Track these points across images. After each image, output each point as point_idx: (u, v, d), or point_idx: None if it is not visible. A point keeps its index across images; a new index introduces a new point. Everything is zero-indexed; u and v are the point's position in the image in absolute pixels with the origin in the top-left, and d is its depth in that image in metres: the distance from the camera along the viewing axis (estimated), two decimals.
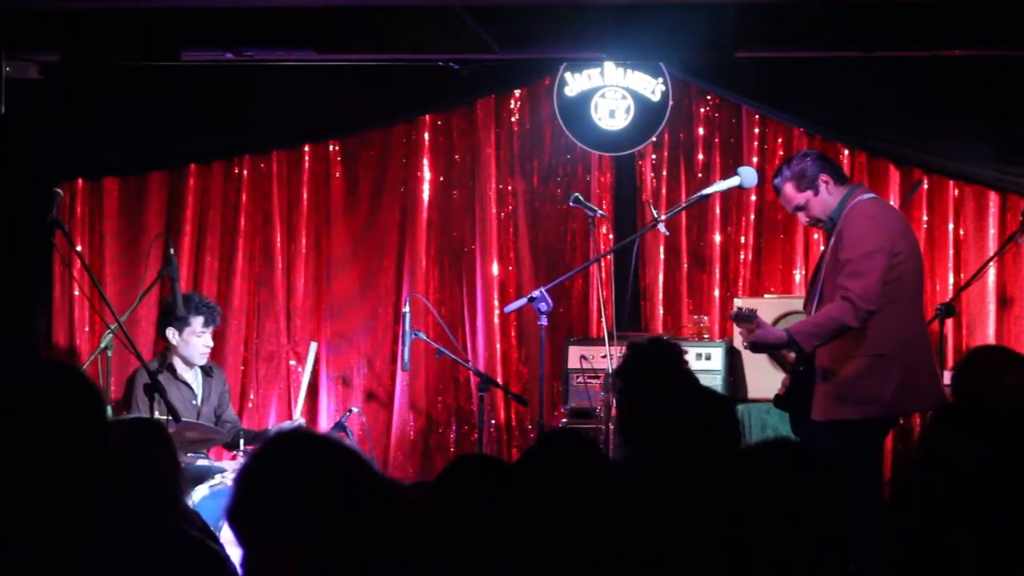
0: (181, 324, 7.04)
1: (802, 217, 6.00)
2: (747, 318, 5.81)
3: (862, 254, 5.67)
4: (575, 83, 7.83)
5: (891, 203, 6.14)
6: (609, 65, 7.78)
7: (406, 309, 7.10)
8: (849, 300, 5.62)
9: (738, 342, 6.67)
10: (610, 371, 6.51)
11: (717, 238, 7.97)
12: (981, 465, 2.85)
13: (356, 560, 2.38)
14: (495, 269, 8.06)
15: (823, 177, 5.88)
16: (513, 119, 8.12)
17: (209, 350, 7.18)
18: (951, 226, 7.75)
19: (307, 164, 8.20)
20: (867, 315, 5.62)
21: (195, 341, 7.07)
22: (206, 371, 7.22)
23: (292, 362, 8.17)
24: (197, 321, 7.04)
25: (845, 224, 5.76)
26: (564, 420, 7.23)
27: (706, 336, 7.56)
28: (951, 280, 7.71)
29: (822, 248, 6.15)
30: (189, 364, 7.14)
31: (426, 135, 8.15)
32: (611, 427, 6.65)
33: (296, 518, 2.38)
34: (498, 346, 8.04)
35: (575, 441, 3.25)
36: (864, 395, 5.69)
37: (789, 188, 5.91)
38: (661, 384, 4.29)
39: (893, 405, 5.80)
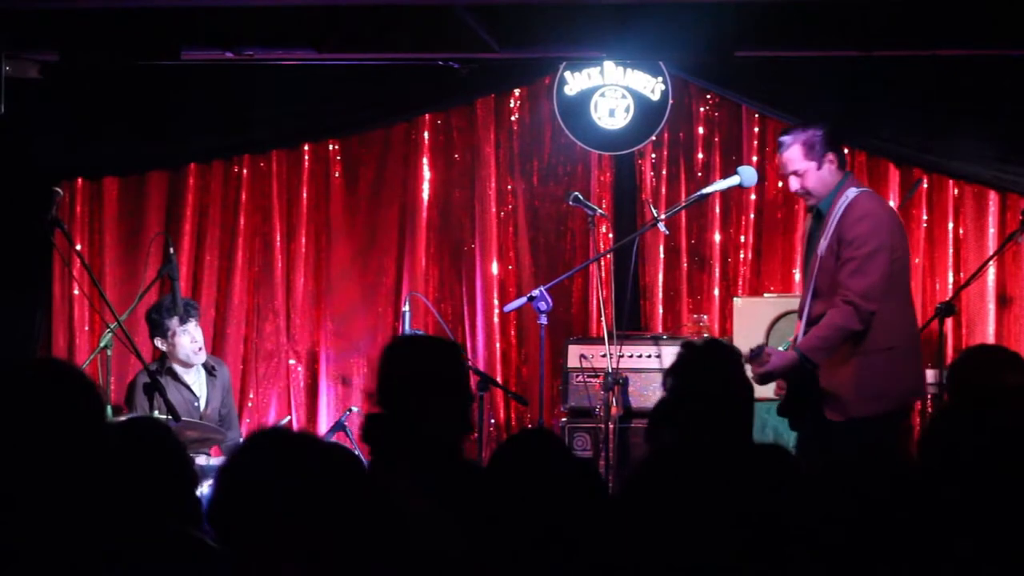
0: (162, 331, 7.04)
1: (794, 182, 5.87)
2: (757, 355, 5.73)
3: (866, 253, 5.62)
4: (575, 82, 7.83)
5: (882, 198, 6.10)
6: (609, 64, 7.79)
7: (406, 308, 7.10)
8: (851, 303, 5.58)
9: (738, 342, 6.66)
10: (610, 370, 6.52)
11: (717, 237, 7.97)
12: (982, 465, 2.85)
13: (338, 559, 2.38)
14: (495, 268, 8.06)
15: (830, 156, 5.82)
16: (513, 118, 8.12)
17: (199, 345, 7.12)
18: (951, 225, 7.75)
19: (307, 163, 8.20)
20: (870, 315, 5.60)
21: (180, 341, 7.03)
22: (209, 371, 7.21)
23: (292, 361, 8.17)
24: (173, 323, 7.01)
25: (846, 222, 5.69)
26: (564, 419, 7.23)
27: (706, 335, 7.56)
28: (951, 279, 7.72)
29: (807, 233, 6.03)
30: (187, 365, 7.12)
31: (426, 134, 8.15)
32: (611, 426, 6.66)
33: (272, 518, 2.37)
34: (498, 345, 8.04)
35: (544, 440, 3.24)
36: (880, 390, 5.65)
37: (796, 151, 5.80)
38: (704, 385, 4.25)
39: (907, 396, 5.84)
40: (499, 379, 7.86)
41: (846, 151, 7.70)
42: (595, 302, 7.78)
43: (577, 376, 7.26)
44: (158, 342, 7.10)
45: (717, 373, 4.26)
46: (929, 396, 7.60)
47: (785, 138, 5.88)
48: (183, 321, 6.99)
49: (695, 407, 4.12)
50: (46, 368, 2.77)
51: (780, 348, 5.94)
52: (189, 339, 7.04)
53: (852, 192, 5.77)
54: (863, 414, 5.63)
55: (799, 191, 5.89)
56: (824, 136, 5.82)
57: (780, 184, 7.62)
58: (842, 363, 5.68)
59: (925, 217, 7.80)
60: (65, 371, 2.73)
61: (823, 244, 5.73)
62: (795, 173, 5.84)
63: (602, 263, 6.97)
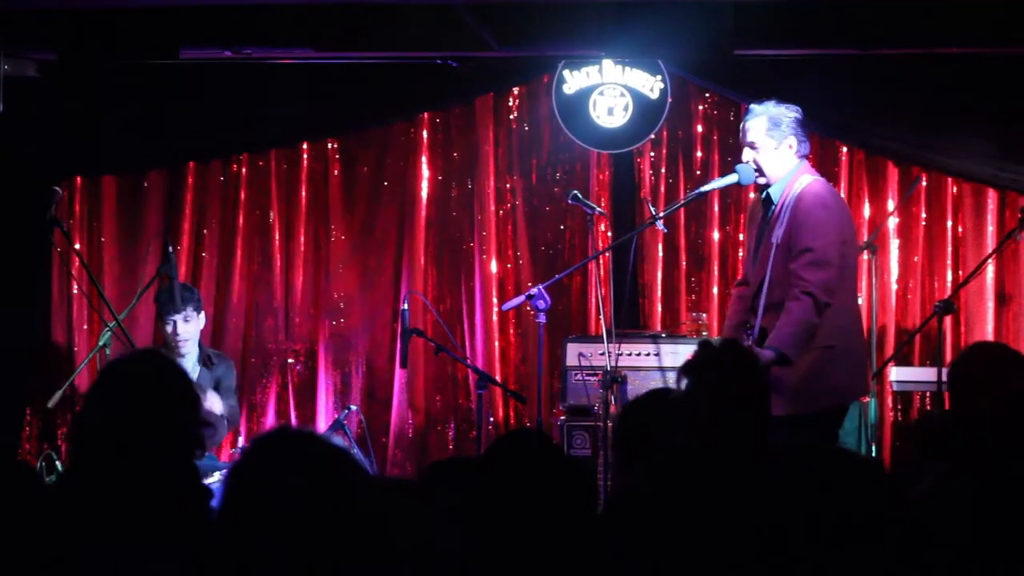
0: (159, 315, 7.07)
1: (747, 154, 5.81)
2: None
3: (823, 244, 5.53)
4: (574, 81, 7.83)
5: (835, 188, 5.92)
6: (608, 63, 7.78)
7: (405, 307, 7.08)
8: (810, 295, 5.50)
9: None
10: (609, 368, 6.51)
11: (715, 235, 7.97)
12: (987, 465, 2.85)
13: (339, 559, 2.38)
14: (494, 267, 8.06)
15: (791, 141, 5.73)
16: (512, 117, 8.12)
17: (183, 339, 7.01)
18: (950, 223, 7.76)
19: (306, 162, 8.20)
20: (826, 307, 5.51)
21: (166, 329, 7.01)
22: (205, 362, 7.18)
23: (291, 360, 8.17)
24: (163, 311, 7.02)
25: (799, 210, 5.60)
26: (562, 417, 7.23)
27: (704, 333, 7.56)
28: (950, 277, 7.72)
29: (755, 217, 5.94)
30: (177, 354, 7.10)
31: (425, 133, 8.15)
32: (610, 424, 6.65)
33: (279, 518, 2.38)
34: (496, 344, 8.04)
35: (533, 440, 3.23)
36: (820, 388, 5.55)
37: (760, 123, 5.75)
38: (716, 387, 4.20)
39: (847, 393, 5.71)
40: (498, 377, 7.87)
41: (844, 150, 7.80)
42: (594, 300, 7.78)
43: (576, 374, 7.25)
44: (158, 326, 7.16)
45: (733, 375, 4.22)
46: (928, 394, 7.62)
47: (755, 107, 5.82)
48: (168, 313, 6.94)
49: (708, 409, 4.09)
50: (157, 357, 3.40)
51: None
52: (172, 330, 6.98)
53: (806, 179, 5.69)
54: (802, 411, 5.48)
55: (751, 165, 5.82)
56: (793, 120, 5.75)
57: None
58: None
59: (924, 215, 7.80)
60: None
61: (778, 232, 5.63)
62: (751, 146, 5.79)
63: (601, 261, 6.96)
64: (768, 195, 5.80)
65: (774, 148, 5.73)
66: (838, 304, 5.60)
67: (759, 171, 5.81)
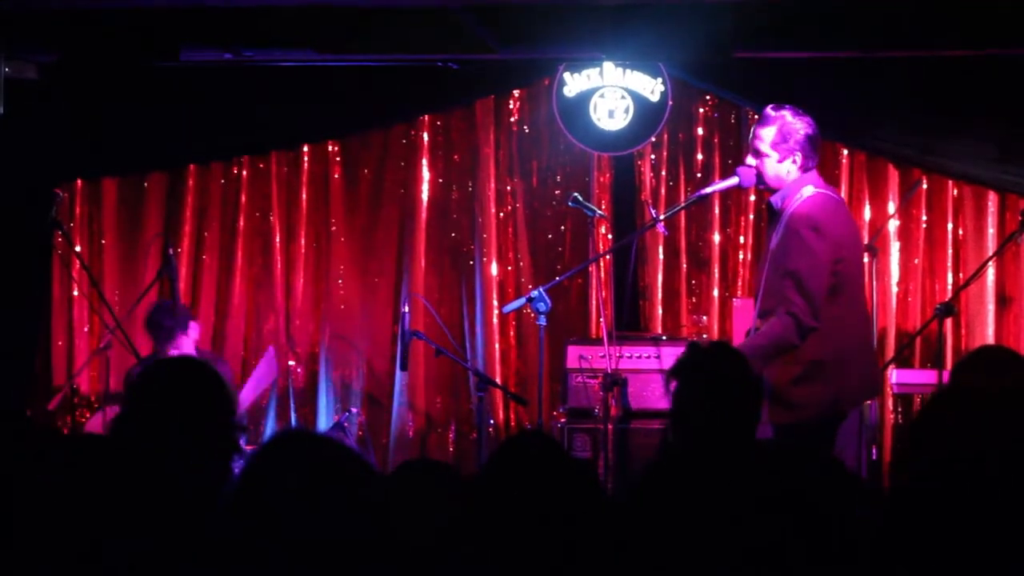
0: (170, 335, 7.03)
1: (751, 158, 5.73)
2: None
3: (807, 267, 5.45)
4: (574, 83, 7.83)
5: (837, 197, 5.82)
6: (608, 65, 7.79)
7: (405, 309, 7.09)
8: (793, 316, 5.43)
9: (737, 343, 6.65)
10: (609, 370, 6.51)
11: (716, 238, 7.97)
12: (978, 465, 2.84)
13: (350, 559, 2.39)
14: (494, 269, 8.06)
15: (796, 156, 5.61)
16: (512, 119, 8.13)
17: (186, 353, 7.00)
18: (950, 226, 7.76)
19: (306, 164, 8.21)
20: (810, 330, 5.44)
21: (168, 353, 6.96)
22: None
23: (291, 362, 8.17)
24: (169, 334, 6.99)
25: (789, 228, 5.53)
26: (563, 420, 7.23)
27: (705, 336, 7.57)
28: (950, 280, 7.72)
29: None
30: None
31: (425, 135, 8.15)
32: (610, 427, 6.66)
33: (292, 519, 2.39)
34: (497, 346, 8.04)
35: (540, 442, 3.23)
36: (797, 401, 5.49)
37: (771, 133, 5.64)
38: (703, 390, 4.19)
39: (827, 407, 5.57)
40: (498, 380, 7.87)
41: (845, 152, 7.79)
42: (594, 303, 7.79)
43: (576, 377, 7.25)
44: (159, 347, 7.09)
45: (721, 373, 4.22)
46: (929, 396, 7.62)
47: (770, 112, 5.70)
48: (175, 335, 6.93)
49: (700, 408, 4.09)
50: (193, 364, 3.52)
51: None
52: (178, 353, 6.95)
53: (807, 191, 5.60)
54: (776, 421, 5.43)
55: (753, 169, 5.75)
56: (803, 135, 5.65)
57: None
58: (773, 369, 5.48)
59: (925, 218, 7.81)
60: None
61: (774, 242, 5.60)
62: (756, 153, 5.74)
63: (601, 264, 6.97)
64: (771, 205, 5.75)
65: (778, 161, 5.66)
66: (831, 317, 5.54)
67: (760, 177, 5.77)
